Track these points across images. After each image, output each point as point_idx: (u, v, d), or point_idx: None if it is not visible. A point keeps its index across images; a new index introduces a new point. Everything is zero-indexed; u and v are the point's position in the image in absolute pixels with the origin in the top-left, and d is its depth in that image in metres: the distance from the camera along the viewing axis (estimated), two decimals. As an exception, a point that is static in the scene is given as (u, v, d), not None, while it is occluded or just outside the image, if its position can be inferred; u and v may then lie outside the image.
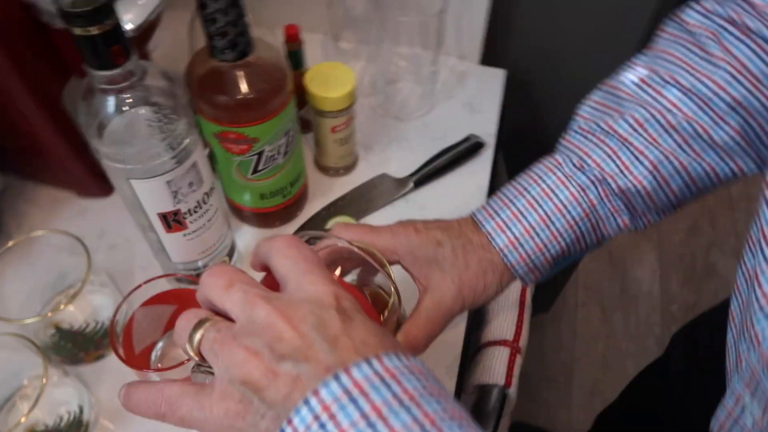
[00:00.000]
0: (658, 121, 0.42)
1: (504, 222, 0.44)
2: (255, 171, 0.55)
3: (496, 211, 0.45)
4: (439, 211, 0.66)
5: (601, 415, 1.13)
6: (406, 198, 0.67)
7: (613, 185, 0.43)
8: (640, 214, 0.45)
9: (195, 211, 0.49)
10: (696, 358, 0.70)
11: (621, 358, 1.51)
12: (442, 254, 0.44)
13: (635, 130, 0.43)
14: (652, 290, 1.62)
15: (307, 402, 0.25)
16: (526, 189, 0.45)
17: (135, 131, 0.42)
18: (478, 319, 0.67)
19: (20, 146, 0.60)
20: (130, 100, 0.41)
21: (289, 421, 0.25)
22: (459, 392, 0.59)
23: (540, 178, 0.45)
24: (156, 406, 0.30)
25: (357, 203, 0.66)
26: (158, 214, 0.47)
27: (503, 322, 0.66)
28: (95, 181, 0.64)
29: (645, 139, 0.42)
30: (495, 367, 0.62)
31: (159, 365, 0.52)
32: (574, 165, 0.44)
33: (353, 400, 0.24)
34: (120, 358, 0.46)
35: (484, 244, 0.44)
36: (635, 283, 1.63)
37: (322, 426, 0.24)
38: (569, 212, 0.43)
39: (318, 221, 0.64)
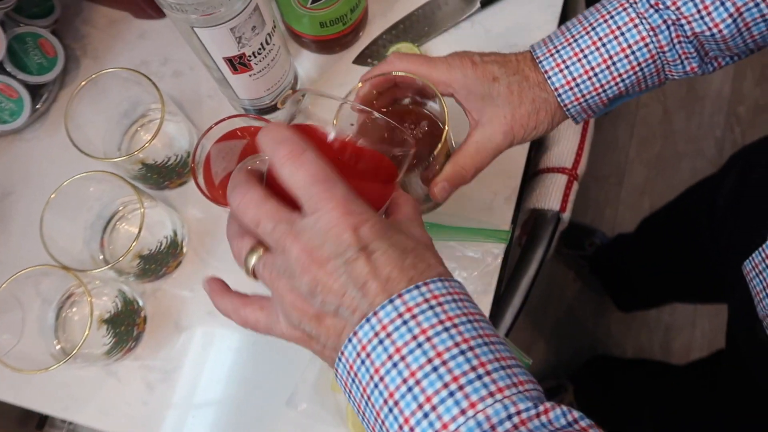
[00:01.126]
0: None
1: (564, 61, 0.43)
2: (314, 0, 0.52)
3: (557, 49, 0.43)
4: (506, 36, 0.63)
5: (646, 219, 1.17)
6: (472, 20, 0.63)
7: (687, 28, 0.40)
8: (712, 58, 0.43)
9: (259, 53, 0.48)
10: (750, 181, 0.70)
11: (676, 159, 1.50)
12: (497, 90, 0.43)
13: None
14: (722, 90, 1.53)
15: (350, 340, 0.29)
16: (593, 27, 0.42)
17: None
18: (538, 144, 0.67)
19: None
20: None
21: (341, 353, 0.30)
22: (516, 216, 0.62)
23: (610, 15, 0.42)
24: (235, 317, 0.34)
25: (419, 26, 0.62)
26: (224, 59, 0.47)
27: (563, 149, 0.66)
28: (148, 1, 0.62)
29: None
30: (551, 194, 0.64)
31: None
32: (650, 3, 0.41)
33: (381, 342, 0.29)
34: (204, 194, 0.50)
35: (540, 82, 0.44)
36: (705, 82, 1.54)
37: (363, 362, 0.29)
38: (634, 55, 0.42)
39: (378, 47, 0.62)
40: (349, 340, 0.29)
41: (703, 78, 1.54)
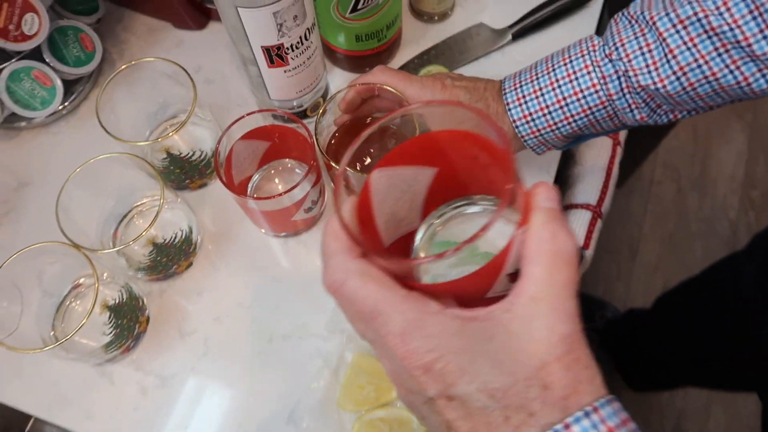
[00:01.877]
0: (700, 22, 0.39)
1: (523, 97, 0.47)
2: (354, 10, 0.54)
3: (521, 84, 0.47)
4: (537, 67, 0.64)
5: (661, 298, 1.14)
6: (503, 51, 0.64)
7: (634, 80, 0.43)
8: (666, 111, 0.45)
9: (297, 47, 0.49)
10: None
11: (689, 239, 1.49)
12: None
13: (675, 27, 0.40)
14: (736, 173, 1.55)
15: None
16: (553, 68, 0.46)
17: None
18: (562, 181, 0.66)
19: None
20: None
21: None
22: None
23: (570, 59, 0.45)
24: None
25: (451, 53, 0.64)
26: (262, 48, 0.48)
27: (588, 187, 0.65)
28: (191, 13, 0.64)
29: (682, 39, 0.40)
30: (575, 230, 0.63)
31: (254, 196, 0.55)
32: (605, 52, 0.44)
33: None
34: (223, 182, 0.49)
35: (500, 112, 0.48)
36: (717, 164, 1.56)
37: None
38: (585, 99, 0.45)
39: (410, 69, 0.63)
40: None
41: (715, 159, 1.56)
